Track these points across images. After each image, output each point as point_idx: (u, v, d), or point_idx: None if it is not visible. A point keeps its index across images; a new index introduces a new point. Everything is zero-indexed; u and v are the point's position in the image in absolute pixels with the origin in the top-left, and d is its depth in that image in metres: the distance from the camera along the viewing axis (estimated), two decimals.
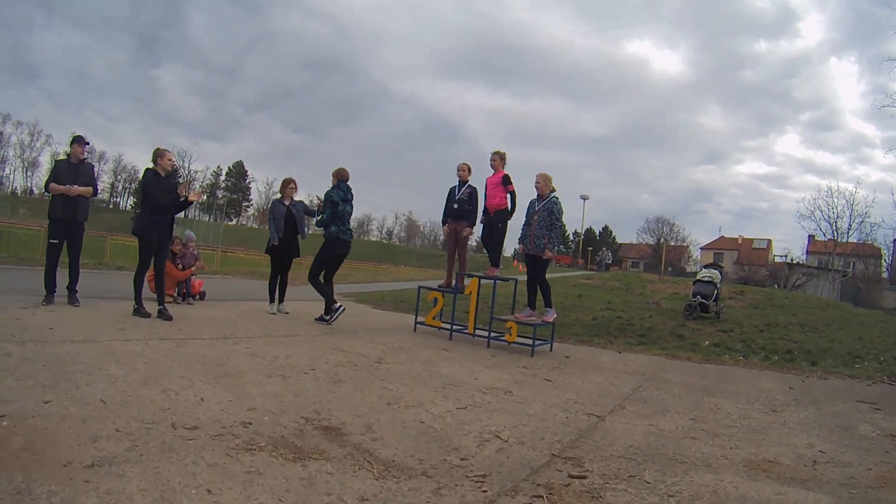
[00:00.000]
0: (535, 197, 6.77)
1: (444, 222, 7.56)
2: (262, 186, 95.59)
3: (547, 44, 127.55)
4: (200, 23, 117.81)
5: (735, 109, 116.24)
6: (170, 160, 6.42)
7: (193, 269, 7.91)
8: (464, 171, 7.45)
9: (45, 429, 2.60)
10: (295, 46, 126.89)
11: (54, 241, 6.36)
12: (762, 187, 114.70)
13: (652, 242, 65.07)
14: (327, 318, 7.07)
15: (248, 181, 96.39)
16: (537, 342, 6.44)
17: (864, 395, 5.09)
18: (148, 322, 5.77)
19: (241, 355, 4.65)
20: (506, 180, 7.07)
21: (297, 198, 8.03)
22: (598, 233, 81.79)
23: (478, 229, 7.60)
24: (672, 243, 65.08)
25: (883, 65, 61.44)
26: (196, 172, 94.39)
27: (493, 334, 6.64)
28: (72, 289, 6.45)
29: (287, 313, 7.79)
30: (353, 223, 7.40)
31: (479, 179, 7.35)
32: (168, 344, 4.79)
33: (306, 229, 7.97)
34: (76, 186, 6.32)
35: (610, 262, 42.83)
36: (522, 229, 6.77)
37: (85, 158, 6.68)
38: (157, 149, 6.38)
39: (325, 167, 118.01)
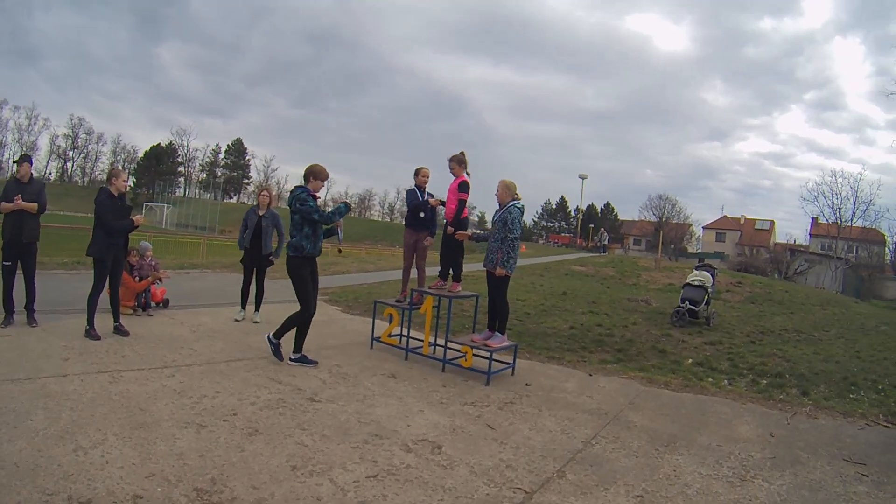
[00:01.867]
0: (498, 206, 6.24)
1: (407, 225, 7.23)
2: (260, 164, 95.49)
3: (550, 17, 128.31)
4: None
5: (739, 87, 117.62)
6: (124, 181, 6.54)
7: (150, 279, 7.85)
8: (426, 176, 7.11)
9: None
10: (295, 20, 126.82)
11: (7, 264, 6.49)
12: (766, 165, 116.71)
13: (654, 220, 65.61)
14: (276, 341, 6.16)
15: (247, 158, 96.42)
16: (499, 366, 6.27)
17: (853, 448, 4.72)
18: (94, 347, 5.85)
19: (169, 394, 4.61)
20: (462, 186, 6.71)
21: (273, 207, 8.06)
22: (599, 209, 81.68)
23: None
24: (674, 221, 66.08)
25: (891, 49, 59.71)
26: (196, 151, 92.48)
27: (449, 356, 6.40)
28: (29, 308, 6.60)
29: (257, 322, 7.83)
30: (354, 199, 6.81)
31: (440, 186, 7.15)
32: (103, 379, 4.84)
33: (272, 245, 7.93)
34: (19, 198, 6.40)
35: (607, 242, 42.10)
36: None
37: (33, 177, 6.76)
38: (112, 168, 6.37)
39: (326, 141, 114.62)
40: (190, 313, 8.11)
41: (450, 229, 6.68)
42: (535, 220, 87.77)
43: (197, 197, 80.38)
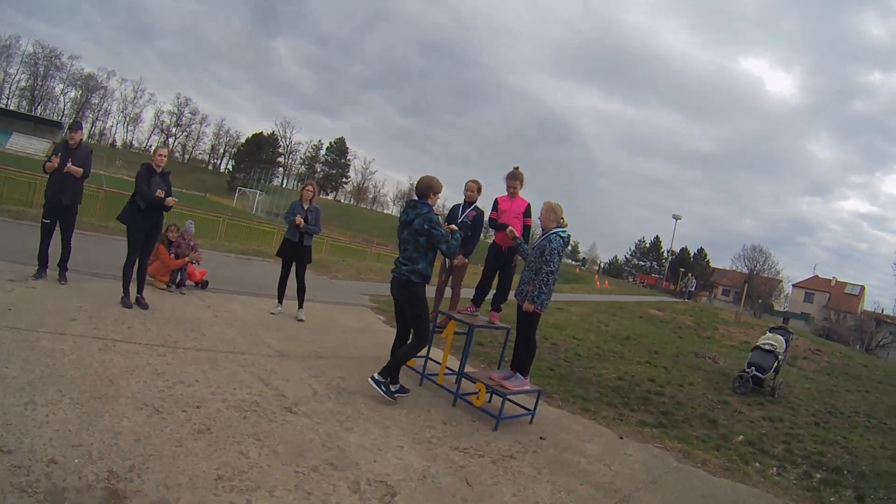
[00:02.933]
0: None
1: None
2: (360, 165, 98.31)
3: (663, 52, 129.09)
4: None
5: (843, 141, 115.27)
6: (161, 156, 6.74)
7: (187, 258, 8.00)
8: (472, 190, 6.60)
9: None
10: (412, 30, 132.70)
11: (46, 221, 6.85)
12: (863, 227, 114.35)
13: (745, 272, 64.45)
14: (383, 380, 5.31)
15: (348, 158, 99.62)
16: (515, 411, 5.68)
17: None
18: (106, 313, 5.97)
19: (148, 373, 4.57)
20: (528, 211, 6.28)
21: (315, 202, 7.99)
22: (692, 253, 77.94)
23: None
24: (765, 275, 64.85)
25: None
26: (298, 144, 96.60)
27: (466, 389, 5.79)
28: (62, 266, 6.91)
29: (302, 320, 7.81)
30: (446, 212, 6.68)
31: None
32: (95, 345, 4.93)
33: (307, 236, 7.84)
34: (68, 162, 6.74)
35: (694, 289, 39.80)
36: None
37: (82, 142, 7.09)
38: (155, 145, 6.44)
39: (432, 152, 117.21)
40: (224, 298, 8.14)
41: (517, 259, 6.26)
42: (627, 257, 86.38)
43: (293, 188, 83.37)
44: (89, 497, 2.80)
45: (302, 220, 7.51)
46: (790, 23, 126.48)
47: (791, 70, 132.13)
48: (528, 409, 5.73)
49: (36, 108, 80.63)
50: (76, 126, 6.99)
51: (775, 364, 9.68)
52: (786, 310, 62.18)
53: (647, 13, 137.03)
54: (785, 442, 6.89)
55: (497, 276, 6.40)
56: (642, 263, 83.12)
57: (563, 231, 5.44)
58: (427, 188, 5.29)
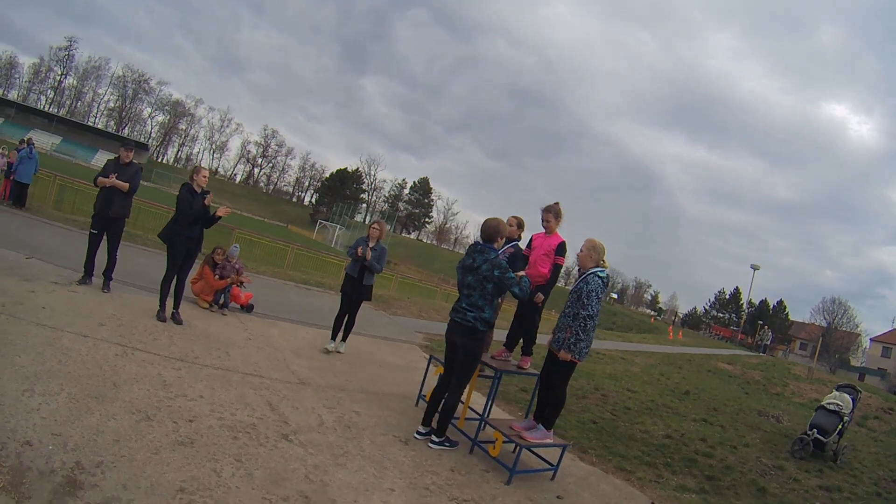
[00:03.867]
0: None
1: None
2: (443, 205, 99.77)
3: (746, 98, 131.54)
4: (406, 39, 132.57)
5: None
6: (204, 176, 6.86)
7: (230, 280, 8.13)
8: (512, 225, 6.11)
9: None
10: (500, 74, 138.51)
11: (94, 232, 7.22)
12: None
13: (824, 325, 62.88)
14: (441, 439, 5.20)
15: (431, 198, 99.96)
16: (536, 464, 5.25)
17: None
18: (138, 324, 6.13)
19: (155, 383, 4.63)
20: (562, 249, 5.75)
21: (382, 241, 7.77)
22: (772, 306, 73.89)
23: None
24: (844, 329, 63.45)
25: None
26: (382, 182, 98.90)
27: (482, 439, 5.34)
28: (107, 276, 7.23)
29: (341, 353, 7.68)
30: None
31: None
32: (113, 350, 5.10)
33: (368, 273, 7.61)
34: (113, 176, 7.08)
35: (770, 342, 37.30)
36: None
37: (132, 161, 7.43)
38: (195, 165, 7.16)
39: (517, 196, 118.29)
40: (266, 323, 8.19)
41: (538, 297, 5.66)
42: (706, 308, 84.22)
43: None
44: (48, 480, 2.90)
45: (365, 252, 7.34)
46: (868, 64, 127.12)
47: (872, 114, 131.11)
48: (551, 465, 5.29)
49: (123, 129, 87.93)
50: (128, 145, 7.43)
51: (840, 426, 8.85)
52: (863, 365, 61.16)
53: (730, 58, 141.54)
54: None
55: (524, 317, 6.00)
56: (721, 315, 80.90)
57: (601, 271, 5.06)
58: (494, 232, 5.05)
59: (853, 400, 9.38)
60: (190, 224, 6.70)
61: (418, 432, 5.22)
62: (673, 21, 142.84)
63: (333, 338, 7.73)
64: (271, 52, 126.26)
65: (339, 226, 73.17)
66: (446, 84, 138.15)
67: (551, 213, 5.79)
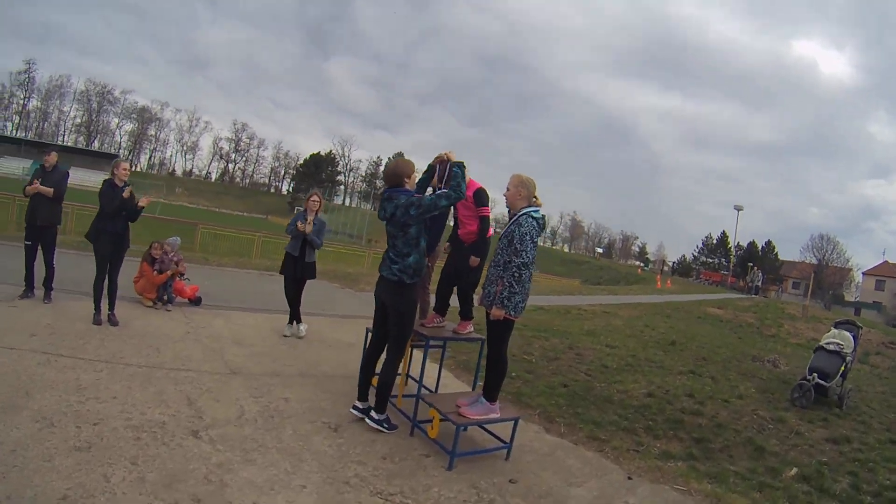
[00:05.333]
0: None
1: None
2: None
3: (716, 42, 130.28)
4: (369, 16, 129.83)
5: None
6: (125, 170, 6.64)
7: (169, 272, 7.84)
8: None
9: None
10: (466, 41, 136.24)
11: (28, 243, 7.10)
12: None
13: (814, 262, 62.46)
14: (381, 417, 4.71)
15: None
16: (487, 443, 4.70)
17: None
18: (71, 331, 5.93)
19: (70, 387, 4.44)
20: (480, 197, 5.08)
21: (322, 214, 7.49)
22: (760, 247, 76.16)
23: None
24: (835, 265, 63.15)
25: None
26: (358, 162, 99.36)
27: (419, 420, 4.79)
28: (46, 286, 7.09)
29: (302, 337, 7.33)
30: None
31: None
32: (35, 359, 4.92)
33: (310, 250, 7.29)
34: (36, 182, 6.91)
35: (761, 283, 36.67)
36: None
37: (58, 165, 7.22)
38: (115, 160, 6.78)
39: (497, 160, 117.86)
40: (212, 314, 7.85)
41: (473, 260, 5.12)
42: (695, 255, 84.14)
43: (356, 206, 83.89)
44: None
45: (306, 225, 7.00)
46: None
47: (843, 49, 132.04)
48: (505, 443, 4.67)
49: (93, 143, 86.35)
50: (51, 149, 7.29)
51: (842, 368, 8.12)
52: (857, 300, 61.03)
53: (696, 4, 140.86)
54: (851, 473, 5.51)
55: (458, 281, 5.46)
56: (710, 261, 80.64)
57: (535, 211, 4.41)
58: (396, 175, 4.59)
59: (854, 337, 8.65)
60: (112, 217, 6.49)
61: (354, 407, 4.82)
62: None
63: (291, 322, 7.43)
64: (232, 45, 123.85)
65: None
66: (414, 57, 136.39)
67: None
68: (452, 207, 5.01)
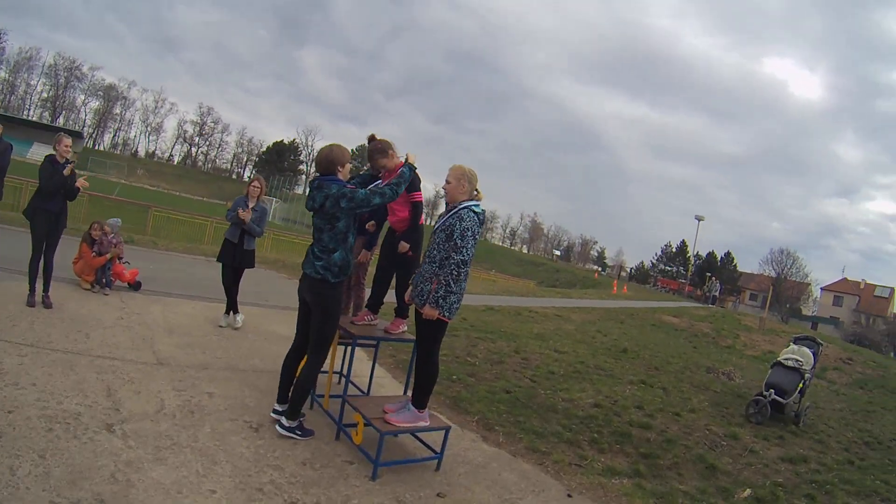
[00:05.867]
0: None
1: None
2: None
3: (688, 55, 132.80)
4: (343, 7, 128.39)
5: (869, 140, 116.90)
6: (66, 146, 6.35)
7: (108, 255, 7.54)
8: (391, 157, 4.91)
9: None
10: (438, 37, 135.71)
11: None
12: (891, 228, 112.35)
13: (773, 275, 63.41)
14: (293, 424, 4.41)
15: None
16: (417, 453, 4.49)
17: None
18: (7, 313, 5.68)
19: None
20: (411, 182, 4.67)
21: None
22: (719, 258, 76.82)
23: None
24: (793, 279, 64.01)
25: None
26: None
27: (345, 423, 4.58)
28: None
29: (237, 328, 7.08)
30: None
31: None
32: None
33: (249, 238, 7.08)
34: None
35: (719, 293, 37.30)
36: None
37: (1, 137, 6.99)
38: (57, 134, 6.41)
39: (461, 158, 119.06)
40: (150, 300, 7.62)
41: (402, 245, 4.85)
42: (654, 262, 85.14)
43: None
44: None
45: (246, 213, 6.80)
46: (812, 21, 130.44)
47: (815, 70, 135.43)
48: (436, 452, 4.45)
49: (58, 119, 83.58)
50: None
51: (801, 385, 8.02)
52: (814, 314, 62.34)
53: (671, 16, 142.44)
54: (808, 496, 5.38)
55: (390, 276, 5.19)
56: (668, 269, 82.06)
57: (475, 205, 4.18)
58: (329, 162, 4.26)
59: (814, 354, 8.57)
60: (52, 196, 6.27)
61: (275, 410, 4.55)
62: None
63: (227, 312, 7.21)
64: (204, 27, 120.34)
65: (275, 199, 71.87)
66: (384, 50, 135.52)
67: (377, 153, 4.76)
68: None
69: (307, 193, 4.54)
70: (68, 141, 6.46)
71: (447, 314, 4.02)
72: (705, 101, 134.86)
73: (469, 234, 3.98)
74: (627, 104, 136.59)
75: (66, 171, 6.25)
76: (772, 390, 7.74)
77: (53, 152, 6.34)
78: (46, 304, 6.28)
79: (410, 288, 4.31)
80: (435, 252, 4.11)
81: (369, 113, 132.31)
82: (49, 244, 6.40)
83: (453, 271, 3.95)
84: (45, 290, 6.37)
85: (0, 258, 6.89)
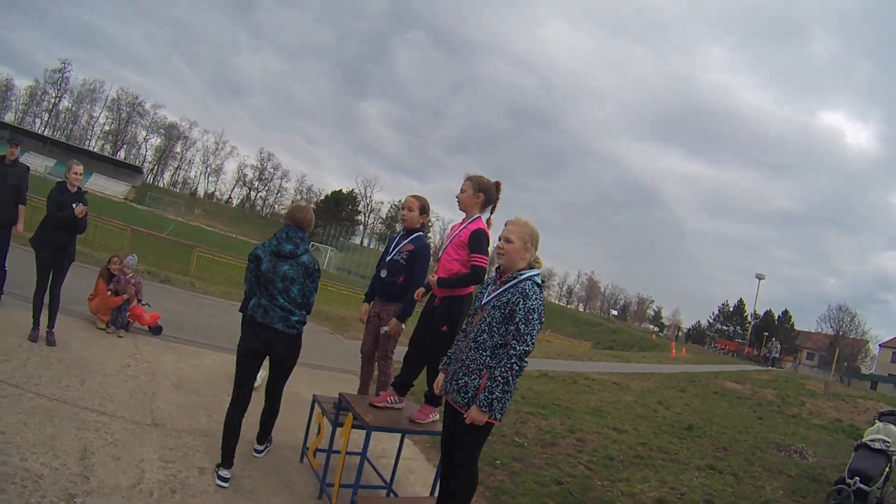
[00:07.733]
0: (495, 272, 3.50)
1: (366, 299, 5.03)
2: (439, 226, 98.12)
3: (742, 110, 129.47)
4: (405, 61, 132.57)
5: None
6: (76, 174, 6.07)
7: (125, 296, 7.07)
8: (411, 209, 4.74)
9: None
10: (498, 94, 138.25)
11: None
12: None
13: (830, 333, 62.32)
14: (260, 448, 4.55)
15: (429, 219, 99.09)
16: None
17: None
18: (6, 347, 5.30)
19: None
20: (477, 240, 3.97)
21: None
22: (777, 317, 73.57)
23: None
24: (851, 336, 61.59)
25: None
26: (379, 203, 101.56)
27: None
28: None
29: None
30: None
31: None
32: None
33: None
34: None
35: (778, 354, 35.28)
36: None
37: (17, 160, 6.64)
38: (69, 161, 6.20)
39: (518, 214, 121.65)
40: (166, 347, 7.02)
41: (419, 292, 4.28)
42: (710, 322, 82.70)
43: (374, 248, 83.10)
44: None
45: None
46: (862, 69, 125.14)
47: (868, 121, 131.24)
48: None
49: (119, 152, 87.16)
50: (14, 141, 6.77)
51: (887, 469, 6.86)
52: (872, 372, 58.33)
53: (725, 70, 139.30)
54: None
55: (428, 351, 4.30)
56: (725, 328, 79.80)
57: (536, 275, 3.33)
58: (308, 224, 4.22)
59: None
60: (56, 227, 5.97)
61: (221, 477, 3.93)
62: (668, 36, 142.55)
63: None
64: (268, 75, 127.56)
65: (330, 247, 72.66)
66: (445, 105, 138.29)
67: (471, 183, 4.16)
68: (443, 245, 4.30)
69: (285, 237, 4.08)
70: (79, 168, 6.19)
71: (496, 416, 3.09)
72: (760, 156, 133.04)
73: (535, 316, 3.10)
74: (684, 160, 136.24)
75: (78, 213, 5.93)
76: (856, 478, 6.63)
77: (64, 179, 6.10)
78: (50, 340, 5.88)
79: (442, 376, 3.45)
80: (486, 336, 3.21)
81: (428, 166, 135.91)
82: (54, 277, 6.08)
83: (514, 365, 3.04)
84: (50, 325, 5.97)
85: (17, 284, 6.56)
